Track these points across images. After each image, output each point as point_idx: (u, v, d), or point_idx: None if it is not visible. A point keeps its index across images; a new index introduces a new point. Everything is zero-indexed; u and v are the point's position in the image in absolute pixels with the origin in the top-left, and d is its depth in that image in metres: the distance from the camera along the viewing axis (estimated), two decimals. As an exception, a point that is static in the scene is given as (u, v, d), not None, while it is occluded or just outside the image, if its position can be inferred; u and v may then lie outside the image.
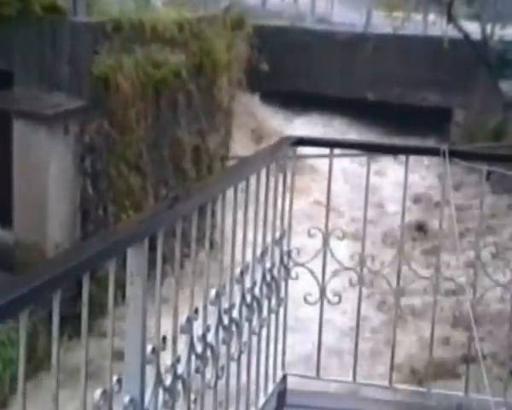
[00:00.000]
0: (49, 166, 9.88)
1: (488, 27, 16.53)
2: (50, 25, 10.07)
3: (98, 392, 2.36)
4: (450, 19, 15.96)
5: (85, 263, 2.27)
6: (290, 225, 4.32)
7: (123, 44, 10.30)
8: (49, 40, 10.15)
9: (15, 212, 9.97)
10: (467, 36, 15.86)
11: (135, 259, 2.58)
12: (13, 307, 1.94)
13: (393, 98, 17.74)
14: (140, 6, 11.21)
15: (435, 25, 18.07)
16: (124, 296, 2.60)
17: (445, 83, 17.11)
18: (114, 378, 2.42)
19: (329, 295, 4.36)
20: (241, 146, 14.12)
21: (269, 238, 3.96)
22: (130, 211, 10.15)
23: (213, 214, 3.17)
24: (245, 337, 3.62)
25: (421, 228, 12.69)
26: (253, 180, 3.60)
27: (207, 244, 3.09)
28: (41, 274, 2.07)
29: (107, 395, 2.38)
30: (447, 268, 5.05)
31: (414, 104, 17.54)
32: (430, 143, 14.25)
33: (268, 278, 3.97)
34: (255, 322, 3.79)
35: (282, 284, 4.26)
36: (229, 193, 3.32)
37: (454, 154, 4.35)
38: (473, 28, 16.26)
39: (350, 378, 4.61)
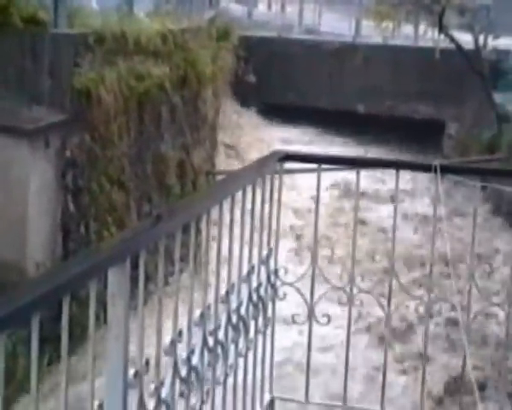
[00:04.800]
0: (29, 182, 9.55)
1: (481, 38, 16.28)
2: (30, 37, 9.74)
3: None
4: (442, 29, 15.67)
5: (65, 285, 2.21)
6: (277, 244, 4.17)
7: (105, 57, 9.99)
8: (29, 53, 9.84)
9: (-6, 230, 9.65)
10: (459, 46, 15.56)
11: (116, 279, 2.51)
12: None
13: (384, 110, 17.50)
14: (123, 18, 10.89)
15: (426, 35, 17.85)
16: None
17: (437, 94, 16.89)
18: (95, 404, 2.35)
19: (318, 315, 4.23)
20: (226, 160, 13.81)
21: (255, 257, 3.83)
22: (113, 228, 9.82)
23: (198, 231, 3.07)
24: (231, 360, 3.49)
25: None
26: (238, 197, 3.49)
27: (192, 264, 3.04)
28: (20, 296, 2.03)
29: None
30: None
31: (405, 116, 17.31)
32: (422, 156, 13.99)
33: (254, 297, 3.83)
34: (241, 344, 3.65)
35: (269, 304, 4.12)
36: (215, 210, 3.21)
37: (446, 169, 4.31)
38: (465, 39, 15.99)
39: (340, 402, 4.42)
